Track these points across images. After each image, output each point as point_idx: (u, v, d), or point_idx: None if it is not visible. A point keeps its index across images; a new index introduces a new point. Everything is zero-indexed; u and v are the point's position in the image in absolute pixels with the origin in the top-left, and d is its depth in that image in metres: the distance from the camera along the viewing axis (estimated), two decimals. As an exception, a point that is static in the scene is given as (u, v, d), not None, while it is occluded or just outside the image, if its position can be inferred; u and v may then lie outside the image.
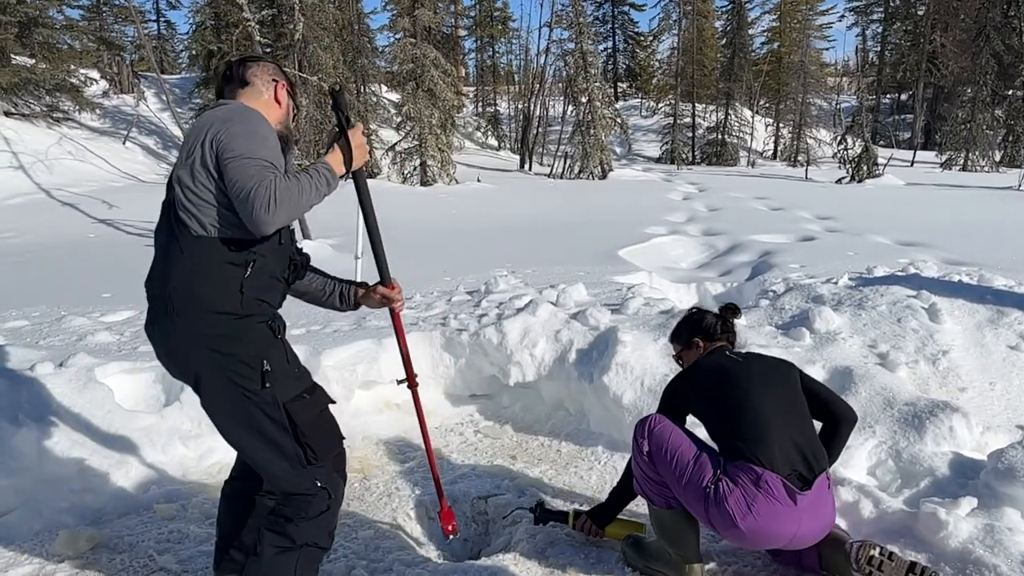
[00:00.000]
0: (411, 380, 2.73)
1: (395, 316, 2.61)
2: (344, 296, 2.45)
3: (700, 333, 2.72)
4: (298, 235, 2.51)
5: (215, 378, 1.99)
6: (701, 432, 2.51)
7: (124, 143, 21.59)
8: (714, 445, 2.41)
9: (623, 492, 2.73)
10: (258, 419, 2.01)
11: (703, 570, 2.45)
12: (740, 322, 4.25)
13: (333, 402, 2.29)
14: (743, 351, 2.75)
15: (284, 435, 2.03)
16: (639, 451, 2.44)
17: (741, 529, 2.21)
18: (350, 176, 2.22)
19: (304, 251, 2.36)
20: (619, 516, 2.75)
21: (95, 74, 24.47)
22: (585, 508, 2.85)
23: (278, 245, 2.11)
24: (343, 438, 2.25)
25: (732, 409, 2.36)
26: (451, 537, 2.90)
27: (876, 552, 2.27)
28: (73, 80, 21.31)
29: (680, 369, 2.76)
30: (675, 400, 2.56)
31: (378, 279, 2.50)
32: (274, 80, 2.20)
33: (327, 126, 17.06)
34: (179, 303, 1.96)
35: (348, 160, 2.07)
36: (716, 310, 2.82)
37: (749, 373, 2.46)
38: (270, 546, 2.06)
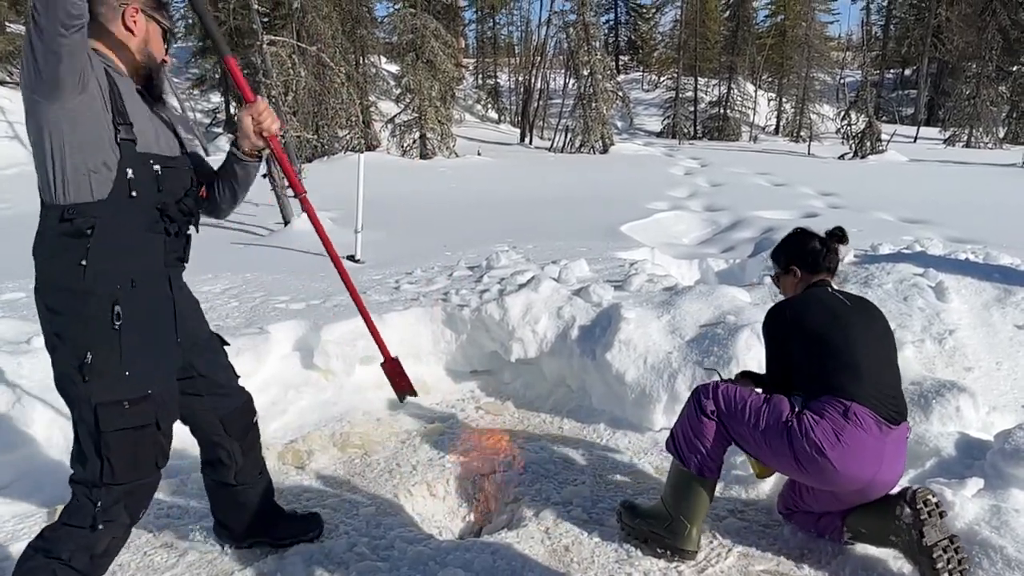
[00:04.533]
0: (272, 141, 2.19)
1: (272, 140, 2.12)
2: (229, 166, 2.10)
3: (799, 261, 2.61)
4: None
5: (55, 361, 1.82)
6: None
7: (120, 113, 21.32)
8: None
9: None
10: (75, 412, 1.82)
11: (700, 537, 2.44)
12: (746, 299, 4.22)
13: (172, 419, 1.99)
14: (847, 292, 2.60)
15: (88, 440, 1.80)
16: (699, 411, 2.41)
17: (829, 458, 2.19)
18: None
19: (197, 186, 2.02)
20: None
21: (90, 43, 24.10)
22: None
23: (128, 199, 1.78)
24: (159, 468, 1.94)
25: (832, 354, 2.34)
26: (406, 398, 2.88)
27: (934, 499, 2.24)
28: (68, 49, 21.00)
29: (778, 294, 2.72)
30: (783, 344, 2.48)
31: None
32: (122, 4, 1.84)
33: (326, 98, 16.73)
34: (36, 275, 1.81)
35: None
36: (823, 234, 2.65)
37: (854, 320, 2.42)
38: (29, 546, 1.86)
